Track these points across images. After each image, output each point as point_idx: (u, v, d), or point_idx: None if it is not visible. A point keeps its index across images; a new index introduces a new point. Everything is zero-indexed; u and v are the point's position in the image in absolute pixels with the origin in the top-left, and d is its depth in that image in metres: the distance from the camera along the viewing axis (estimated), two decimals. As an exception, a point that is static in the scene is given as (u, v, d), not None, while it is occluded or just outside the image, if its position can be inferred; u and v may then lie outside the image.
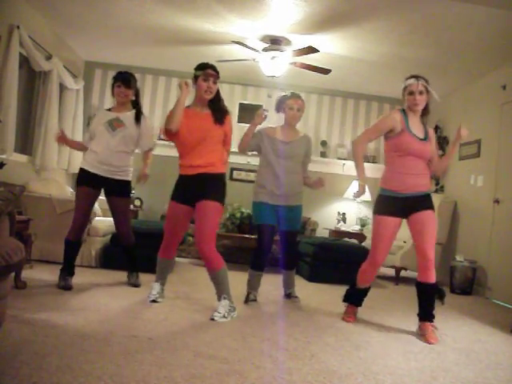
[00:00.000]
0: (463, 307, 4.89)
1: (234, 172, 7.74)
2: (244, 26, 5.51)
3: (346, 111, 8.13)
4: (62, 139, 4.24)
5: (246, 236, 6.07)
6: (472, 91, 6.71)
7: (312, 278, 5.55)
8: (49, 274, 4.43)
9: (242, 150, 4.17)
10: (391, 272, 6.57)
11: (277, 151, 4.09)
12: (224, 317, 3.40)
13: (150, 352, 2.52)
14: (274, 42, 5.82)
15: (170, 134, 3.50)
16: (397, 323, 3.85)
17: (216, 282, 3.55)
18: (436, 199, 6.68)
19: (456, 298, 5.48)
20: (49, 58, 6.03)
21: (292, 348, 2.87)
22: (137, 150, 4.23)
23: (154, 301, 3.70)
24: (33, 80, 6.16)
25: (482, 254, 5.92)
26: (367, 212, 7.77)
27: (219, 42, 6.12)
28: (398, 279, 6.15)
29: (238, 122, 7.68)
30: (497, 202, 5.74)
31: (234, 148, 4.10)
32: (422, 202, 3.59)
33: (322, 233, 7.40)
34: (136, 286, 4.21)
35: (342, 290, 4.19)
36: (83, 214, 4.05)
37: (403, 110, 3.58)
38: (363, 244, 6.51)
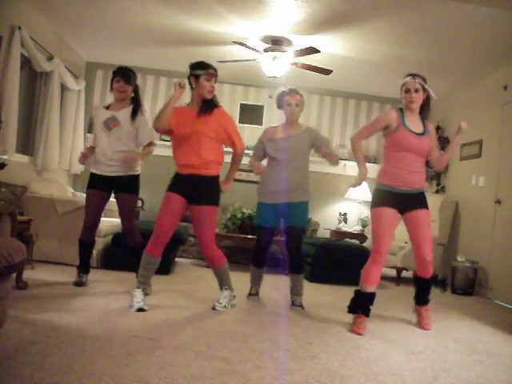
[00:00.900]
0: (464, 308, 4.89)
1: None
2: (245, 26, 5.52)
3: (347, 111, 8.13)
4: (86, 157, 4.21)
5: (248, 236, 6.06)
6: (473, 92, 6.70)
7: (313, 278, 5.55)
8: (50, 275, 4.44)
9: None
10: (392, 272, 6.56)
11: (277, 149, 4.08)
12: (225, 307, 3.67)
13: (151, 352, 2.52)
14: (275, 43, 5.83)
15: (160, 130, 3.63)
16: (398, 324, 3.85)
17: (219, 276, 3.78)
18: (437, 199, 6.70)
19: (457, 299, 5.48)
20: (50, 58, 6.04)
21: (293, 348, 2.86)
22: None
23: (141, 309, 3.40)
24: (34, 81, 6.16)
25: (484, 255, 5.91)
26: (368, 212, 7.76)
27: (220, 42, 6.13)
28: (399, 280, 6.14)
29: (239, 122, 7.68)
30: (498, 202, 5.74)
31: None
32: (417, 201, 3.64)
33: (323, 233, 7.40)
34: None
35: (343, 290, 4.22)
36: (92, 215, 4.07)
37: (400, 109, 3.65)
38: (364, 244, 6.50)
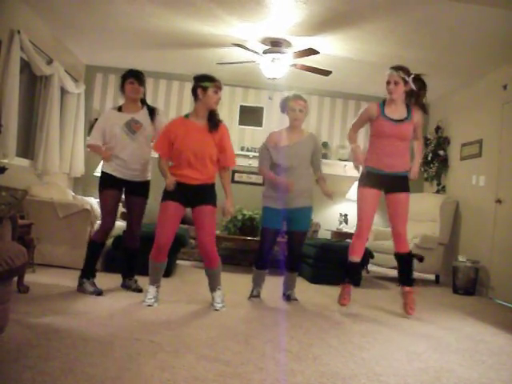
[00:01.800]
0: (466, 307, 4.88)
1: (236, 174, 7.73)
2: (244, 28, 5.52)
3: (346, 112, 8.13)
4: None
5: (248, 238, 6.06)
6: (473, 91, 6.70)
7: (314, 279, 5.54)
8: (51, 278, 4.44)
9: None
10: (394, 273, 6.56)
11: (282, 157, 4.11)
12: (224, 306, 3.78)
13: (152, 355, 2.52)
14: (275, 44, 5.83)
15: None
16: (400, 324, 3.84)
17: (213, 277, 3.86)
18: (438, 199, 6.70)
19: (459, 299, 5.47)
20: (50, 62, 6.05)
21: (295, 350, 2.86)
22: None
23: (150, 305, 3.66)
24: (34, 84, 6.17)
25: (485, 254, 5.91)
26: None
27: (220, 44, 6.13)
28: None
29: (239, 124, 7.69)
30: (499, 201, 5.73)
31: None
32: (399, 184, 4.14)
33: (324, 234, 7.40)
34: (140, 291, 4.16)
35: (344, 291, 4.21)
36: (112, 215, 4.03)
37: (383, 101, 4.10)
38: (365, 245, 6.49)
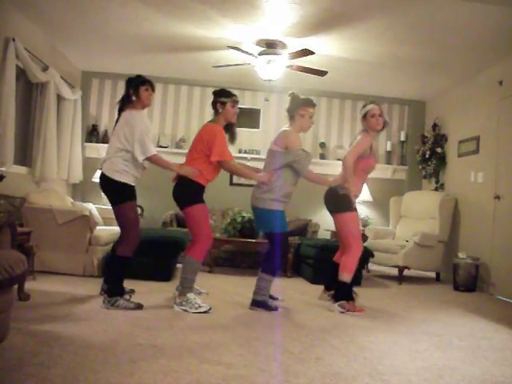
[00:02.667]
0: (467, 304, 4.88)
1: (234, 177, 7.73)
2: (239, 30, 5.52)
3: (343, 112, 8.14)
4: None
5: (248, 240, 6.06)
6: (469, 88, 6.71)
7: (315, 280, 5.54)
8: (52, 285, 4.43)
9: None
10: (394, 272, 6.57)
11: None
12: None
13: (155, 360, 2.52)
14: (270, 46, 5.83)
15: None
16: (401, 322, 3.84)
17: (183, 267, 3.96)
18: (437, 197, 6.71)
19: (460, 296, 5.48)
20: (45, 69, 6.04)
21: (297, 351, 2.86)
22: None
23: (210, 309, 3.79)
24: (30, 92, 6.17)
25: (485, 251, 5.91)
26: (368, 212, 7.77)
27: (215, 47, 6.13)
28: (401, 278, 6.14)
29: (236, 126, 7.67)
30: (497, 197, 5.74)
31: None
32: None
33: (323, 234, 7.39)
34: (132, 291, 4.14)
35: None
36: (138, 227, 3.89)
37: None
38: (365, 244, 6.49)
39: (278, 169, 3.99)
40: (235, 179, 7.74)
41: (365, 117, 4.22)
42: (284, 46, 5.87)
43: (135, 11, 5.15)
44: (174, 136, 7.81)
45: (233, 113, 4.06)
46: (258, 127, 7.84)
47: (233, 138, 4.18)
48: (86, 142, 7.63)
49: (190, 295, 3.82)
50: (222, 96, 4.02)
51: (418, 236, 6.19)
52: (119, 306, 3.66)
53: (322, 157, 7.89)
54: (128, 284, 4.15)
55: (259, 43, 5.85)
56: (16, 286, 3.50)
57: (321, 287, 4.61)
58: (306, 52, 5.47)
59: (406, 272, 6.32)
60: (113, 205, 3.84)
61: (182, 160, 4.14)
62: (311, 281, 5.65)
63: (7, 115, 5.00)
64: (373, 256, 5.81)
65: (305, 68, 6.04)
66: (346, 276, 4.11)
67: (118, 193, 3.78)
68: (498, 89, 5.86)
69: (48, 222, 5.02)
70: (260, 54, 5.86)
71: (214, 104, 4.06)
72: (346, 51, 6.01)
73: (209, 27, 5.49)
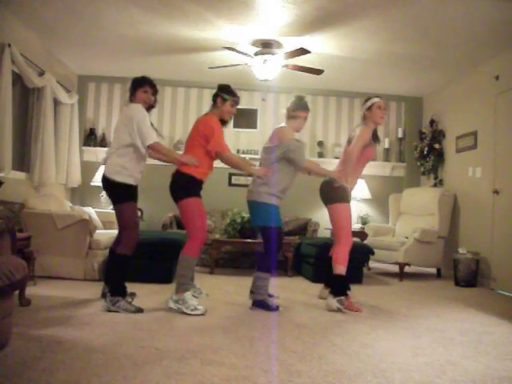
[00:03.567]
0: (468, 299, 4.89)
1: (233, 177, 7.74)
2: (234, 31, 5.53)
3: (340, 110, 8.14)
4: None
5: (248, 241, 6.06)
6: (466, 83, 6.72)
7: (315, 278, 5.54)
8: (53, 290, 4.43)
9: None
10: (395, 268, 6.57)
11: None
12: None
13: (157, 362, 2.52)
14: (265, 46, 5.83)
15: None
16: (403, 319, 3.84)
17: (178, 265, 3.93)
18: (435, 193, 6.72)
19: (461, 291, 5.48)
20: (41, 74, 6.04)
21: (299, 350, 2.86)
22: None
23: (205, 312, 3.75)
24: (27, 97, 6.17)
25: (485, 245, 5.92)
26: (367, 210, 7.78)
27: (211, 48, 6.14)
28: (402, 275, 6.14)
29: (234, 127, 7.69)
30: (496, 192, 5.74)
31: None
32: None
33: (323, 233, 7.40)
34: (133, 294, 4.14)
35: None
36: (138, 227, 3.90)
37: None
38: (365, 242, 6.50)
39: (274, 163, 4.01)
40: (234, 180, 7.74)
41: (370, 108, 4.30)
42: (280, 45, 5.87)
43: (130, 14, 5.16)
44: (172, 138, 7.81)
45: (229, 112, 4.09)
46: (255, 127, 7.84)
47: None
48: (84, 145, 7.63)
49: (187, 295, 3.79)
50: (225, 92, 4.07)
51: (418, 232, 6.19)
52: (120, 306, 3.66)
53: (321, 155, 7.89)
54: (128, 287, 4.14)
55: (255, 43, 5.86)
56: (17, 292, 3.51)
57: (321, 286, 4.62)
58: (302, 51, 5.48)
59: (406, 269, 6.33)
60: (113, 204, 3.87)
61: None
62: (312, 280, 5.66)
63: (4, 121, 5.01)
64: (373, 253, 5.81)
65: (301, 67, 6.05)
66: (339, 269, 4.12)
67: (118, 192, 3.78)
68: (495, 84, 5.87)
69: (47, 226, 5.02)
70: (256, 54, 5.86)
71: (215, 96, 4.09)
72: (341, 49, 6.01)
73: (204, 28, 5.49)
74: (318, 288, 5.11)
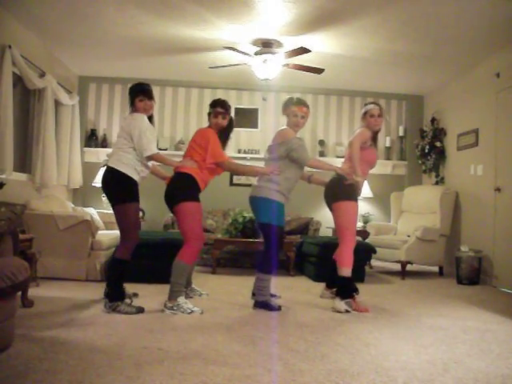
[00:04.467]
0: (471, 297, 4.88)
1: (234, 177, 7.74)
2: (234, 30, 5.53)
3: (341, 109, 8.14)
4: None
5: (250, 240, 6.06)
6: (466, 81, 6.71)
7: (318, 277, 5.54)
8: (55, 291, 4.44)
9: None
10: (397, 267, 6.56)
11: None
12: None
13: (160, 362, 2.52)
14: (266, 45, 5.83)
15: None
16: (405, 317, 3.84)
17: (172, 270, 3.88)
18: (437, 191, 6.71)
19: (463, 289, 5.47)
20: (42, 75, 6.05)
21: (302, 349, 2.86)
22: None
23: (201, 312, 3.75)
24: (28, 98, 6.17)
25: (487, 243, 5.91)
26: (369, 208, 7.77)
27: (211, 48, 6.14)
28: (404, 273, 6.14)
29: (235, 127, 7.68)
30: (498, 190, 5.74)
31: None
32: None
33: (325, 232, 7.40)
34: (136, 295, 4.17)
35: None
36: (138, 229, 3.88)
37: None
38: (367, 241, 6.50)
39: (277, 161, 3.99)
40: (235, 179, 7.75)
41: (364, 116, 4.30)
42: (280, 44, 5.87)
43: (131, 15, 5.16)
44: (173, 138, 7.82)
45: (217, 124, 4.08)
46: (256, 127, 7.84)
47: (224, 146, 4.18)
48: (85, 146, 7.63)
49: (181, 299, 3.76)
50: (210, 106, 4.14)
51: (420, 231, 6.19)
52: (120, 311, 3.65)
53: (322, 154, 7.88)
54: (130, 287, 4.16)
55: (255, 43, 5.86)
56: (19, 293, 3.51)
57: (324, 285, 4.62)
58: (302, 50, 5.47)
59: (408, 267, 6.32)
60: (115, 204, 3.74)
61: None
62: (314, 279, 5.66)
63: (5, 122, 5.01)
64: (375, 252, 5.80)
65: (301, 66, 6.04)
66: (344, 271, 4.08)
67: (123, 190, 3.70)
68: (496, 81, 5.86)
69: (49, 227, 5.02)
70: (256, 53, 5.86)
71: (208, 115, 4.17)
72: (341, 48, 6.01)
73: (205, 29, 5.50)
74: (320, 287, 5.11)
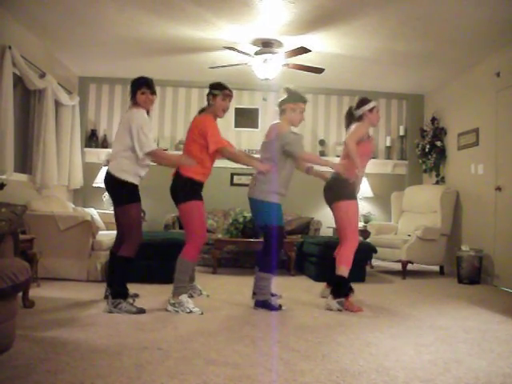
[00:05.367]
0: (472, 297, 4.88)
1: (235, 177, 7.74)
2: (234, 30, 5.53)
3: (341, 109, 8.11)
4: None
5: (251, 240, 6.06)
6: (467, 80, 6.70)
7: (318, 277, 5.54)
8: (56, 292, 4.44)
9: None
10: (398, 266, 6.56)
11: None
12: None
13: (161, 363, 2.52)
14: (266, 45, 5.83)
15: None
16: (406, 317, 3.84)
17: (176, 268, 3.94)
18: (438, 190, 6.71)
19: (464, 288, 5.47)
20: (42, 76, 6.04)
21: (303, 349, 2.86)
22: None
23: (201, 313, 3.74)
24: (28, 99, 6.18)
25: (488, 242, 5.91)
26: (370, 208, 7.77)
27: (211, 48, 6.14)
28: (404, 273, 6.14)
29: (235, 127, 7.69)
30: (498, 189, 5.73)
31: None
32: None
33: (325, 232, 7.40)
34: (136, 295, 4.18)
35: (349, 287, 4.21)
36: (141, 229, 3.90)
37: None
38: (368, 240, 6.50)
39: (273, 157, 3.98)
40: (236, 179, 7.75)
41: (372, 110, 4.37)
42: (280, 44, 5.87)
43: (131, 15, 5.16)
44: (174, 138, 7.82)
45: (222, 106, 4.01)
46: (256, 127, 7.84)
47: None
48: (86, 147, 7.63)
49: (183, 297, 3.81)
50: (214, 88, 4.02)
51: (421, 230, 6.19)
52: (121, 308, 3.67)
53: (322, 154, 7.87)
54: (131, 287, 4.15)
55: (255, 43, 5.86)
56: (20, 294, 3.51)
57: (324, 284, 4.62)
58: (302, 50, 5.47)
59: (409, 266, 6.32)
60: (117, 205, 3.82)
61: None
62: (315, 278, 5.66)
63: (6, 123, 5.01)
64: (376, 252, 5.81)
65: (301, 66, 6.04)
66: (342, 270, 4.09)
67: (125, 193, 3.77)
68: (496, 80, 5.85)
69: (50, 228, 5.03)
70: (256, 53, 5.86)
71: (207, 96, 4.07)
72: (341, 48, 6.00)
73: (205, 29, 5.50)
74: (320, 287, 5.11)
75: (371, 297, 4.62)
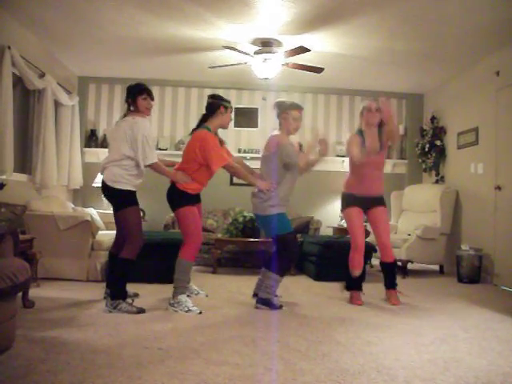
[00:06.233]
0: (472, 296, 4.88)
1: (234, 177, 7.73)
2: (234, 30, 5.52)
3: (341, 108, 8.13)
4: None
5: (251, 240, 6.06)
6: (466, 79, 6.70)
7: (319, 277, 5.55)
8: (56, 292, 4.44)
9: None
10: (398, 266, 6.56)
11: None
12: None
13: (161, 362, 2.52)
14: (265, 45, 5.83)
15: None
16: (406, 316, 3.84)
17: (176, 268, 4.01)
18: (437, 190, 6.71)
19: (464, 287, 5.47)
20: (42, 76, 6.04)
21: (303, 349, 2.86)
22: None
23: (199, 313, 3.76)
24: (27, 99, 6.17)
25: (487, 242, 5.91)
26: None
27: (211, 48, 6.13)
28: (405, 272, 6.14)
29: (235, 126, 7.69)
30: (498, 188, 5.73)
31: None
32: (375, 201, 4.44)
33: (325, 231, 7.39)
34: (136, 295, 4.21)
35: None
36: (142, 231, 3.92)
37: (360, 130, 4.39)
38: (367, 239, 6.49)
39: (273, 171, 4.00)
40: (235, 179, 7.74)
41: (362, 113, 4.41)
42: (279, 44, 5.87)
43: (130, 15, 5.15)
44: (173, 138, 7.82)
45: (229, 120, 4.18)
46: (256, 126, 7.84)
47: (221, 145, 4.17)
48: (85, 147, 7.63)
49: (182, 297, 3.86)
50: (224, 100, 4.11)
51: (420, 229, 6.19)
52: (121, 309, 3.68)
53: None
54: (131, 287, 4.16)
55: (255, 42, 5.85)
56: (20, 294, 3.52)
57: (324, 284, 4.64)
58: (302, 49, 5.47)
59: (409, 266, 6.32)
60: (116, 211, 3.87)
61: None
62: (314, 278, 5.66)
63: (5, 123, 5.01)
64: (376, 251, 5.80)
65: (301, 65, 6.04)
66: (350, 271, 4.33)
67: (121, 199, 3.82)
68: (496, 79, 5.85)
69: (50, 228, 5.03)
70: (256, 52, 5.86)
71: (213, 105, 4.08)
72: (341, 47, 6.00)
73: (204, 28, 5.49)
74: (320, 286, 5.14)
75: (371, 296, 4.62)
